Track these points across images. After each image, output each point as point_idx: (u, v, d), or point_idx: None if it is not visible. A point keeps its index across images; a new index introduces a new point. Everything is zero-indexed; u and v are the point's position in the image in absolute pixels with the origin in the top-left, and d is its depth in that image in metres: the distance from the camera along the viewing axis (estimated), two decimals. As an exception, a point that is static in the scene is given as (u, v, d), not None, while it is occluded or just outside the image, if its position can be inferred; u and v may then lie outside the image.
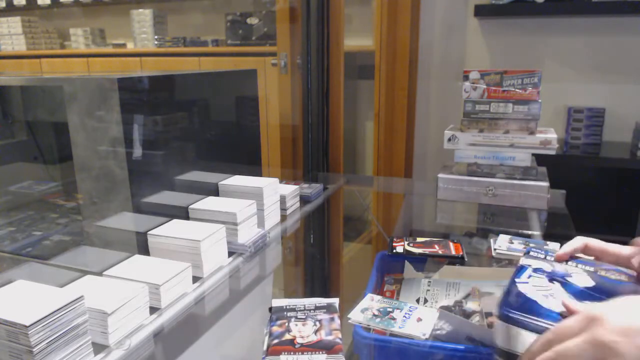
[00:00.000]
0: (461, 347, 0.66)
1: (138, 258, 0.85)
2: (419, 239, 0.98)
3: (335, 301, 0.74)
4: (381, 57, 2.02)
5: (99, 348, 0.66)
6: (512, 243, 0.96)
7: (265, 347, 0.65)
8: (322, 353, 0.62)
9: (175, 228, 0.91)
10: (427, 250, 0.93)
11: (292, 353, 0.62)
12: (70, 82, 0.83)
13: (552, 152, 1.26)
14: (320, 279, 1.14)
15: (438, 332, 0.68)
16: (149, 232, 0.89)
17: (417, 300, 0.85)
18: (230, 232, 0.96)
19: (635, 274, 0.63)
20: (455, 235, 1.21)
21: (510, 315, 0.54)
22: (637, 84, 1.98)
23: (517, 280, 0.61)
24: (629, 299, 0.48)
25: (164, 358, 0.72)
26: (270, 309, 0.73)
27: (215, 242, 0.90)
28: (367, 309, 0.74)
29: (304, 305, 0.73)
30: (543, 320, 0.53)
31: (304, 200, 1.32)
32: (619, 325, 0.44)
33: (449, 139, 1.33)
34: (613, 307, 0.47)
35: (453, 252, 0.92)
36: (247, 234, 1.00)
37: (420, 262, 0.93)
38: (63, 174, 1.28)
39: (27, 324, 0.55)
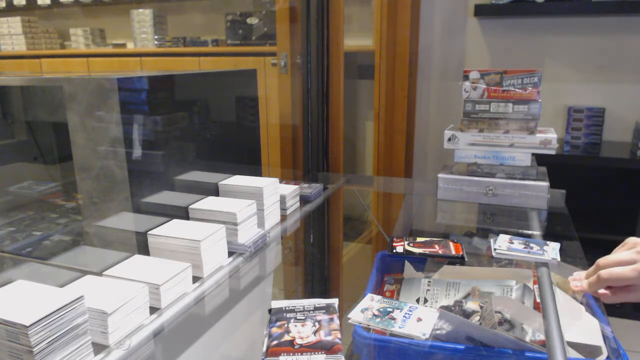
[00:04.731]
0: (461, 347, 0.66)
1: (138, 258, 0.85)
2: (419, 239, 0.98)
3: (334, 302, 0.74)
4: (381, 57, 2.02)
5: (99, 348, 0.66)
6: (512, 243, 0.97)
7: (264, 349, 0.65)
8: (322, 353, 0.62)
9: (175, 228, 0.91)
10: (427, 250, 0.93)
11: (291, 354, 0.62)
12: (70, 82, 0.83)
13: (552, 152, 1.26)
14: (320, 279, 1.14)
15: (438, 332, 0.68)
16: (149, 232, 0.89)
17: (417, 300, 0.85)
18: (230, 232, 0.96)
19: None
20: (455, 235, 1.21)
21: None
22: (637, 84, 1.98)
23: None
24: None
25: (164, 358, 0.72)
26: (270, 310, 0.73)
27: (215, 242, 0.90)
28: (367, 309, 0.74)
29: (303, 306, 0.73)
30: None
31: (304, 200, 1.32)
32: None
33: (449, 139, 1.33)
34: None
35: (453, 252, 0.92)
36: (247, 234, 1.00)
37: (420, 262, 0.93)
38: (63, 174, 1.28)
39: (27, 324, 0.55)
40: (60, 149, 1.25)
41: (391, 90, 2.06)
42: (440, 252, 0.93)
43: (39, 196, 1.23)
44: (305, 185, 1.40)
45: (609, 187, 2.07)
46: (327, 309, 0.72)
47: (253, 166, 1.26)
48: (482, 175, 1.32)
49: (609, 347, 0.69)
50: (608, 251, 0.77)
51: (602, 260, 0.74)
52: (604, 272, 0.72)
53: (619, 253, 0.74)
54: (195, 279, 0.86)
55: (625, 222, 1.94)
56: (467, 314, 0.76)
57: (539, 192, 1.27)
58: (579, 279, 0.78)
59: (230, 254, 0.96)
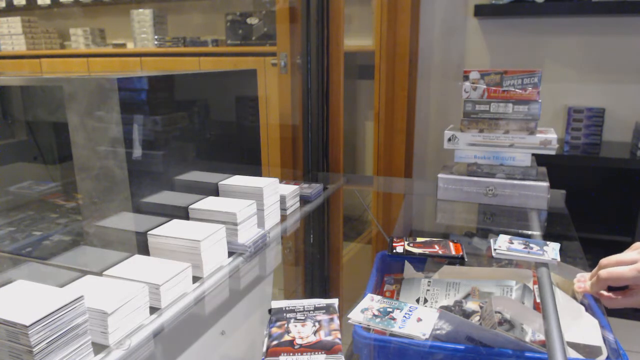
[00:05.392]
0: (461, 347, 0.66)
1: (138, 258, 0.85)
2: (419, 239, 0.98)
3: (334, 302, 0.74)
4: (381, 57, 2.02)
5: (99, 348, 0.66)
6: (512, 243, 0.97)
7: (264, 349, 0.65)
8: (322, 353, 0.62)
9: (175, 228, 0.91)
10: (427, 250, 0.93)
11: (291, 354, 0.62)
12: (70, 82, 0.83)
13: (552, 152, 1.26)
14: (320, 279, 1.14)
15: (438, 332, 0.68)
16: (149, 232, 0.89)
17: (417, 300, 0.85)
18: (230, 232, 0.96)
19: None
20: (455, 235, 1.21)
21: None
22: (637, 84, 1.98)
23: None
24: None
25: (164, 358, 0.72)
26: (270, 310, 0.73)
27: (215, 242, 0.90)
28: (367, 309, 0.74)
29: (303, 306, 0.73)
30: None
31: (304, 200, 1.32)
32: None
33: (449, 139, 1.33)
34: None
35: (453, 252, 0.92)
36: (247, 234, 1.00)
37: (420, 262, 0.93)
38: (63, 174, 1.28)
39: (27, 324, 0.55)
40: (60, 149, 1.25)
41: (391, 90, 2.06)
42: (440, 252, 0.93)
43: (39, 196, 1.23)
44: (305, 185, 1.40)
45: (609, 187, 2.07)
46: (327, 309, 0.72)
47: (253, 166, 1.26)
48: (482, 176, 1.32)
49: (608, 347, 0.69)
50: (608, 251, 0.77)
51: (604, 260, 0.74)
52: (603, 272, 0.72)
53: (622, 253, 0.74)
54: (195, 279, 0.86)
55: (625, 222, 1.94)
56: (467, 314, 0.76)
57: (539, 192, 1.27)
58: (583, 280, 0.78)
59: (230, 254, 0.96)
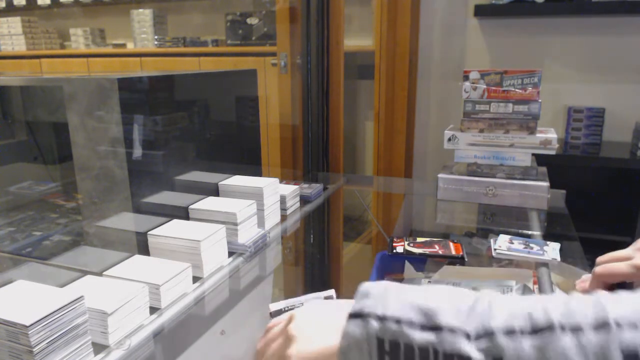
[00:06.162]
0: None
1: (138, 258, 0.85)
2: (419, 239, 0.98)
3: (331, 293, 0.74)
4: (381, 57, 2.02)
5: (99, 348, 0.66)
6: (512, 243, 0.97)
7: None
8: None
9: (175, 228, 0.91)
10: (427, 250, 0.93)
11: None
12: (70, 82, 0.83)
13: (552, 152, 1.26)
14: (320, 279, 1.14)
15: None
16: (149, 232, 0.89)
17: (417, 300, 0.85)
18: (230, 232, 0.96)
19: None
20: (455, 235, 1.21)
21: None
22: (637, 84, 1.98)
23: None
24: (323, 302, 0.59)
25: (164, 358, 0.72)
26: (271, 314, 0.73)
27: (215, 242, 0.90)
28: (367, 309, 0.73)
29: (302, 303, 0.73)
30: None
31: (304, 200, 1.32)
32: (301, 320, 0.54)
33: (449, 139, 1.33)
34: (306, 306, 0.59)
35: (453, 252, 0.92)
36: (247, 234, 1.00)
37: (420, 262, 0.93)
38: (63, 174, 1.28)
39: (27, 324, 0.55)
40: (60, 149, 1.25)
41: (391, 90, 2.06)
42: (440, 252, 0.93)
43: (39, 196, 1.23)
44: (305, 185, 1.40)
45: (609, 187, 2.07)
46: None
47: (253, 166, 1.26)
48: (482, 175, 1.32)
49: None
50: (608, 251, 0.77)
51: (600, 258, 0.74)
52: (598, 268, 0.71)
53: (618, 250, 0.73)
54: (195, 279, 0.86)
55: (625, 222, 1.94)
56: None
57: (539, 192, 1.27)
58: (587, 279, 0.78)
59: (231, 254, 0.96)
